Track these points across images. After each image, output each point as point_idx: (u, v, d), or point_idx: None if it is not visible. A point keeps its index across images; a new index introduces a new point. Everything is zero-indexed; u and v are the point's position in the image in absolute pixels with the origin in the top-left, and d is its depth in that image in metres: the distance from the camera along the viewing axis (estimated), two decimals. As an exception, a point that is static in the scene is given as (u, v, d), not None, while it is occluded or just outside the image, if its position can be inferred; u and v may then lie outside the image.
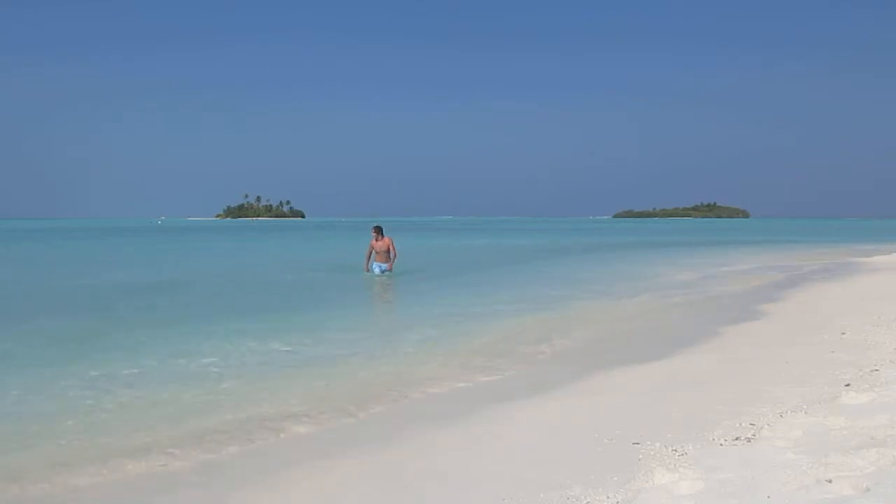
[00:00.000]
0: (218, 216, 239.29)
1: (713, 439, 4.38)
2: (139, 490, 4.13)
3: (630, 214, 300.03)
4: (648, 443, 4.37)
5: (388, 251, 16.97)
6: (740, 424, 4.67)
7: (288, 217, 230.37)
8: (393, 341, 8.72)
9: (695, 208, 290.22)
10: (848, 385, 5.57)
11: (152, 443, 4.90)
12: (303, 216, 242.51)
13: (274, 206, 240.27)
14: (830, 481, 3.40)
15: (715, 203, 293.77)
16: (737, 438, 4.36)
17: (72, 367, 7.17)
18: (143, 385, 6.48)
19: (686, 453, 4.10)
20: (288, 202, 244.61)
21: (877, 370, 6.09)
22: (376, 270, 16.92)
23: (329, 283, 16.80)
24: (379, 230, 17.02)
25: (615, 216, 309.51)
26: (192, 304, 12.90)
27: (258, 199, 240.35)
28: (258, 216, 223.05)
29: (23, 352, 8.10)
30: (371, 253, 17.14)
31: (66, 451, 4.74)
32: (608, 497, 3.53)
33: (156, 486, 4.17)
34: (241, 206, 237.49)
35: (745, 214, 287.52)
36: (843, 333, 8.23)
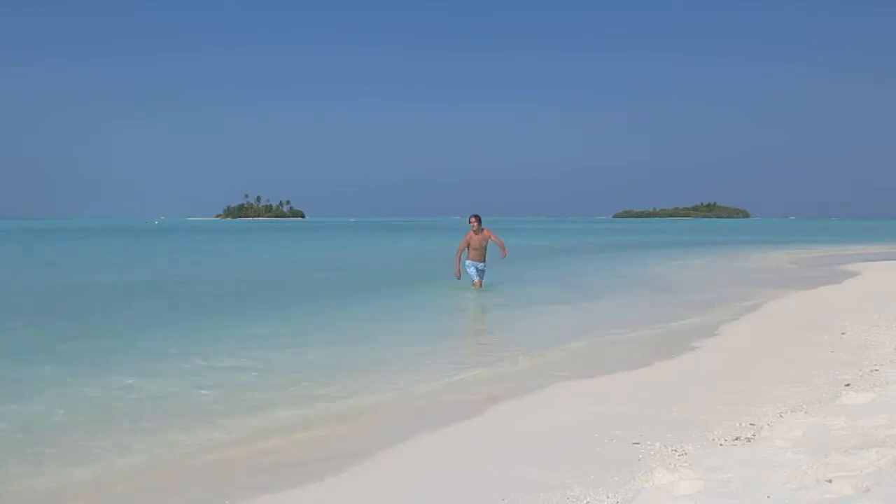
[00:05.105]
0: (218, 216, 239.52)
1: (713, 439, 4.38)
2: (138, 491, 4.13)
3: (630, 214, 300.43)
4: (648, 443, 4.37)
5: (486, 247, 13.97)
6: (740, 424, 4.67)
7: (288, 217, 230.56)
8: (392, 344, 8.71)
9: (695, 208, 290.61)
10: (848, 385, 5.57)
11: (154, 445, 4.90)
12: (303, 216, 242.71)
13: (274, 206, 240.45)
14: (830, 481, 3.40)
15: (715, 203, 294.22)
16: (737, 438, 4.36)
17: (75, 366, 7.18)
18: (149, 385, 6.47)
19: (686, 453, 4.10)
20: (288, 202, 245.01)
21: (877, 370, 6.10)
22: (472, 272, 13.91)
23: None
24: (479, 220, 13.94)
25: (615, 216, 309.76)
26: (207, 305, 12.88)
27: (258, 199, 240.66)
28: (258, 216, 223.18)
29: (24, 349, 8.10)
30: (464, 250, 13.98)
31: (72, 456, 4.74)
32: (608, 497, 3.53)
33: (157, 488, 4.17)
34: (241, 206, 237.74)
35: (745, 214, 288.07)
36: (843, 333, 8.24)
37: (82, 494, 4.08)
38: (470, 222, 13.94)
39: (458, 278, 14.01)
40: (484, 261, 13.96)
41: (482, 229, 13.91)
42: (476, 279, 13.91)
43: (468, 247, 13.92)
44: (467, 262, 13.95)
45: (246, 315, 10.96)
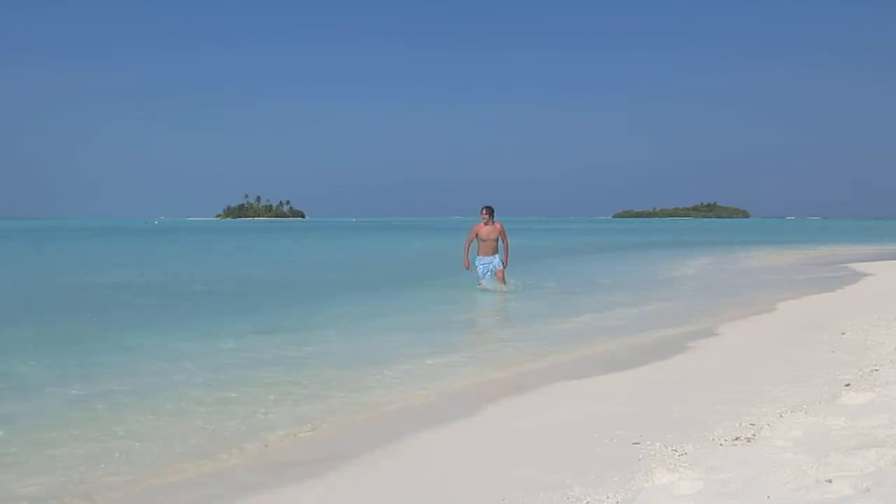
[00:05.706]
0: (218, 216, 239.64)
1: (713, 439, 4.37)
2: (138, 491, 4.13)
3: (630, 214, 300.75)
4: (648, 443, 4.37)
5: (496, 241, 13.22)
6: (740, 424, 4.67)
7: (288, 217, 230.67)
8: (392, 344, 8.71)
9: (695, 208, 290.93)
10: (848, 385, 5.57)
11: (153, 445, 4.90)
12: (303, 216, 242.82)
13: (274, 206, 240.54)
14: (830, 481, 3.40)
15: (715, 203, 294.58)
16: (737, 438, 4.36)
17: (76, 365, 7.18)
18: (148, 384, 6.47)
19: (686, 453, 4.10)
20: (288, 202, 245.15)
21: (877, 370, 6.09)
22: (479, 271, 13.27)
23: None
24: (490, 211, 13.22)
25: (615, 216, 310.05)
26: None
27: (258, 199, 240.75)
28: (258, 216, 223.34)
29: (22, 349, 8.10)
30: (472, 241, 13.36)
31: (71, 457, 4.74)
32: (608, 497, 3.53)
33: (157, 488, 4.16)
34: (241, 206, 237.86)
35: (745, 214, 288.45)
36: (843, 333, 8.23)
37: (82, 495, 4.07)
38: (481, 213, 13.19)
39: (469, 268, 13.49)
40: (494, 254, 13.25)
41: (493, 221, 13.22)
42: (481, 280, 13.35)
43: (477, 238, 13.27)
44: (476, 258, 13.39)
45: (246, 315, 10.96)
